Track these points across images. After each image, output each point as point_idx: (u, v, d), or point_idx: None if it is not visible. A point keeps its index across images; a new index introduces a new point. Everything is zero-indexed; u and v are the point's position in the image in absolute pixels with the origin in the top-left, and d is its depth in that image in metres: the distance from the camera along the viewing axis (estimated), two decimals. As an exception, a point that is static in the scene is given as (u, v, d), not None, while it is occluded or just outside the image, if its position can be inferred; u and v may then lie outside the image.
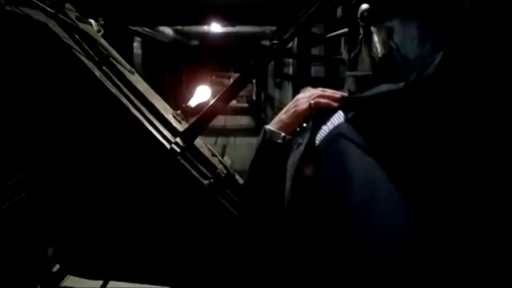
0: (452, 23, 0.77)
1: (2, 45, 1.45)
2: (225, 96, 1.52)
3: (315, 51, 5.11)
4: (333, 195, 0.80)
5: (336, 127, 0.89)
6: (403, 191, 0.77)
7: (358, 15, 1.51)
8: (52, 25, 1.48)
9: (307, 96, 1.01)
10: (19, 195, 1.38)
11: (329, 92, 1.00)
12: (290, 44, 5.97)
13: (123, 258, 1.39)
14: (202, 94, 1.67)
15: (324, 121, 0.93)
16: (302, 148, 0.88)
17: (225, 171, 1.39)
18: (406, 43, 1.42)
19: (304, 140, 0.90)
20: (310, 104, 0.97)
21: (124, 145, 1.38)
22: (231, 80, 2.27)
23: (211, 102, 1.50)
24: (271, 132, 0.99)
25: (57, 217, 1.39)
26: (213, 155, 1.45)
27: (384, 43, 1.45)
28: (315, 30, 4.68)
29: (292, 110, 1.00)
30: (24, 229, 1.36)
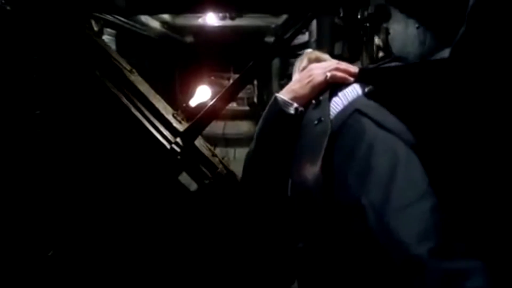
0: (454, 22, 0.92)
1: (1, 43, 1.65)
2: (225, 97, 1.70)
3: (338, 46, 4.97)
4: (348, 174, 0.82)
5: (351, 103, 0.91)
6: (427, 168, 0.78)
7: (359, 16, 1.70)
8: (52, 24, 1.67)
9: (322, 68, 1.03)
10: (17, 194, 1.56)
11: (344, 65, 1.03)
12: (306, 39, 5.88)
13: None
14: (202, 94, 1.86)
15: (336, 94, 0.96)
16: (328, 126, 0.89)
17: (225, 171, 1.57)
18: (406, 43, 1.60)
19: (325, 116, 0.91)
20: (326, 77, 0.99)
21: (125, 145, 1.56)
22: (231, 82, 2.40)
23: (211, 102, 1.67)
24: (284, 101, 1.00)
25: (55, 217, 1.57)
26: (213, 155, 1.63)
27: (384, 44, 1.63)
28: (338, 21, 4.56)
29: (306, 81, 1.02)
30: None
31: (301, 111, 1.00)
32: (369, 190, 0.79)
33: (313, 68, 1.06)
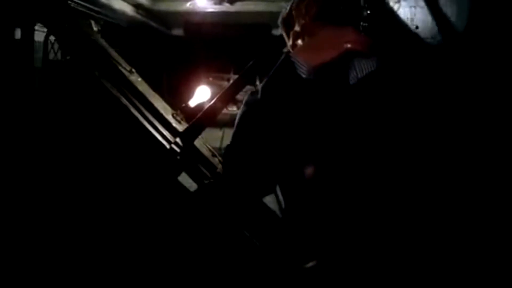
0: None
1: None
2: (224, 97, 1.86)
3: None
4: (364, 155, 0.91)
5: (368, 76, 0.98)
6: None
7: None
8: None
9: (338, 34, 1.06)
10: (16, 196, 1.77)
11: (362, 35, 1.08)
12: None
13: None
14: (201, 95, 2.06)
15: (353, 64, 1.02)
16: (349, 103, 0.94)
17: (225, 171, 1.77)
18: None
19: (342, 90, 0.96)
20: (343, 44, 1.03)
21: (124, 145, 1.76)
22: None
23: (210, 103, 1.85)
24: (296, 62, 1.02)
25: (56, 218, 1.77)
26: (213, 155, 1.83)
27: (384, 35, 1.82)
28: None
29: (321, 46, 1.05)
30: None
31: (313, 75, 1.03)
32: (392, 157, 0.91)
33: (328, 32, 1.10)
